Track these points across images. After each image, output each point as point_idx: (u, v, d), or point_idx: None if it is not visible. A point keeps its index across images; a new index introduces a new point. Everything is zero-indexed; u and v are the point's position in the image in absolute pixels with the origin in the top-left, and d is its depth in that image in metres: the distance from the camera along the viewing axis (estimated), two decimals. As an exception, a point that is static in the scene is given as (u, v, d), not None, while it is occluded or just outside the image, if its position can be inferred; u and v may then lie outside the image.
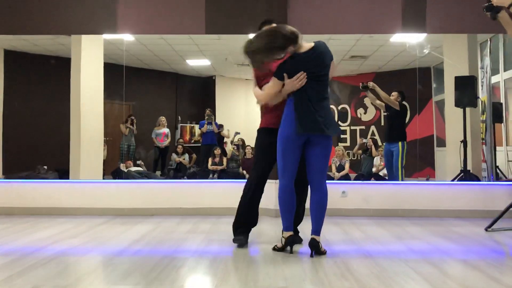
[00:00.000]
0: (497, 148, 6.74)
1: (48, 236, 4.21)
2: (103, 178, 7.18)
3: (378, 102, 6.98)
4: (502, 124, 7.20)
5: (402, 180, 6.47)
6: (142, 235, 4.24)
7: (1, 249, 3.70)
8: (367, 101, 9.54)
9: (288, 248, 3.50)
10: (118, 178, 7.57)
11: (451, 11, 5.49)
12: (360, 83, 6.72)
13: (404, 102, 6.75)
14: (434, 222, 4.96)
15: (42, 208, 5.46)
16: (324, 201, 3.46)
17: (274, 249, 3.57)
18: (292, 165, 3.45)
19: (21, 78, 8.21)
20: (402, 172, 6.48)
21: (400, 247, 3.79)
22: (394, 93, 6.75)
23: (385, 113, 7.20)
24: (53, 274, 2.95)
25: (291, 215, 3.49)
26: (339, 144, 9.14)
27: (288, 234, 3.48)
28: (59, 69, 7.81)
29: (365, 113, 9.65)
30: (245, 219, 3.81)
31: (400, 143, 6.51)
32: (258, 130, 3.85)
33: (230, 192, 5.42)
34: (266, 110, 3.81)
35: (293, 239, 3.48)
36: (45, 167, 8.01)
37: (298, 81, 3.36)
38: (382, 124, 9.23)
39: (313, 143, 3.42)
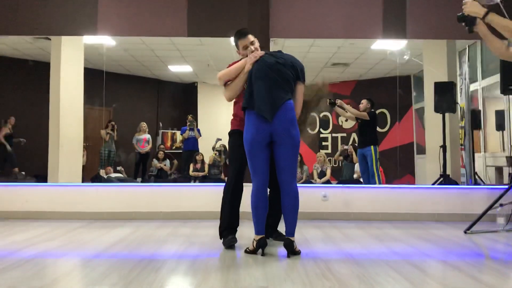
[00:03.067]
0: (476, 154, 6.84)
1: (24, 239, 4.11)
2: (82, 184, 7.05)
3: (347, 114, 7.04)
4: (480, 131, 7.31)
5: (379, 183, 6.50)
6: (120, 238, 4.16)
7: (-26, 252, 3.60)
8: (348, 109, 9.60)
9: (260, 250, 3.47)
10: (97, 184, 7.44)
11: (431, 17, 5.57)
12: (327, 100, 6.75)
13: (372, 110, 6.80)
14: (415, 226, 4.99)
15: (19, 212, 5.34)
16: (296, 203, 3.46)
17: (246, 251, 3.53)
18: (261, 167, 3.45)
19: (-1, 82, 8.07)
20: (379, 175, 6.52)
21: (381, 249, 3.79)
22: (364, 101, 6.83)
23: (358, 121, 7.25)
24: (29, 276, 2.87)
25: (263, 219, 3.48)
26: (321, 150, 9.19)
27: (259, 237, 3.45)
28: (39, 73, 7.70)
29: (346, 120, 9.69)
30: (228, 221, 3.80)
31: (372, 147, 6.58)
32: (230, 133, 3.91)
33: (211, 196, 5.38)
34: (238, 117, 3.84)
35: (265, 242, 3.45)
36: (23, 172, 7.86)
37: (252, 55, 3.52)
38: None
39: (278, 143, 3.42)
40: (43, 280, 2.83)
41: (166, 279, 2.92)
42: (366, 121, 6.70)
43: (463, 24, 3.27)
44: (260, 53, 3.59)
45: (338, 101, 6.78)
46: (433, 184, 6.07)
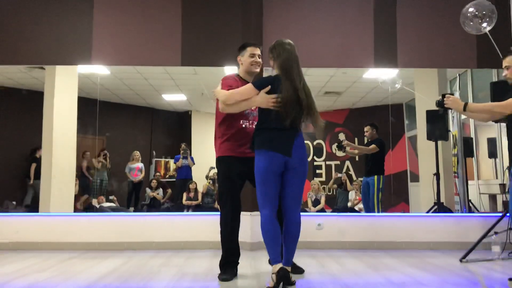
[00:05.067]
0: (469, 182, 6.85)
1: (13, 270, 4.04)
2: (74, 214, 6.97)
3: (356, 152, 7.23)
4: (473, 158, 7.35)
5: (378, 212, 6.48)
6: (112, 269, 4.09)
7: (-38, 284, 3.52)
8: (341, 136, 9.65)
9: (281, 284, 3.21)
10: (90, 214, 7.37)
11: (421, 47, 5.66)
12: (335, 144, 6.94)
13: (378, 137, 6.83)
14: (410, 254, 4.95)
15: (9, 243, 5.25)
16: (299, 231, 3.41)
17: None
18: (273, 195, 3.36)
19: (-8, 111, 8.06)
20: (379, 205, 6.50)
21: (377, 279, 3.75)
22: (367, 128, 6.82)
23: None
24: (17, 309, 2.81)
25: (278, 246, 3.32)
26: (315, 178, 9.17)
27: (278, 267, 3.24)
28: (32, 102, 7.69)
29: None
30: (231, 254, 3.76)
31: (376, 176, 6.53)
32: (219, 159, 3.81)
33: (205, 225, 5.36)
34: (225, 137, 3.77)
35: (286, 272, 3.22)
36: (14, 202, 7.77)
37: (271, 101, 3.36)
38: (357, 159, 9.32)
39: (291, 170, 3.36)
40: (32, 313, 2.77)
41: (158, 311, 2.87)
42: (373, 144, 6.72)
43: (438, 108, 3.77)
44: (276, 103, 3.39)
45: (345, 142, 6.94)
46: (427, 212, 6.05)
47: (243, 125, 3.75)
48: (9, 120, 8.13)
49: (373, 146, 6.63)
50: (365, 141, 7.00)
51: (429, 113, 6.34)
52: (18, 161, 7.98)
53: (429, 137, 6.27)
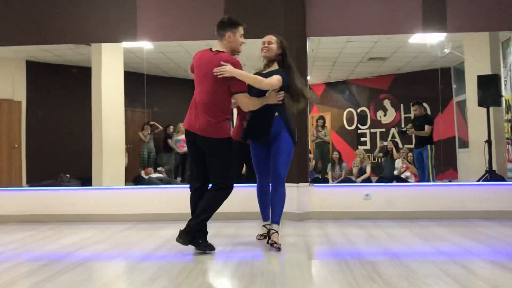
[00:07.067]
0: (523, 148, 6.62)
1: (74, 242, 4.26)
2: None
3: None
4: (528, 123, 7.07)
5: (433, 179, 6.72)
6: (166, 240, 4.25)
7: (29, 256, 3.74)
8: (386, 103, 9.47)
9: None
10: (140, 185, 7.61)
11: (472, 9, 5.42)
12: (399, 130, 7.71)
13: (426, 113, 7.24)
14: (461, 224, 4.88)
15: (67, 215, 5.52)
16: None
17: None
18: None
19: (43, 88, 8.33)
20: (433, 171, 6.79)
21: (427, 249, 3.73)
22: (415, 107, 7.17)
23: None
24: (81, 280, 2.98)
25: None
26: (359, 147, 9.09)
27: None
28: (80, 78, 7.90)
29: (385, 115, 9.56)
30: None
31: (429, 146, 6.85)
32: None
33: (253, 196, 5.43)
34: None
35: None
36: (68, 175, 8.11)
37: (278, 98, 3.91)
38: (403, 126, 9.14)
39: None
40: (95, 284, 2.93)
41: (214, 281, 2.98)
42: (424, 124, 7.00)
43: None
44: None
45: (410, 131, 7.33)
46: (478, 180, 5.92)
47: None
48: (59, 97, 8.40)
49: (428, 127, 6.95)
50: (413, 117, 7.32)
51: (481, 78, 6.10)
52: (70, 135, 8.27)
53: (480, 104, 6.06)
